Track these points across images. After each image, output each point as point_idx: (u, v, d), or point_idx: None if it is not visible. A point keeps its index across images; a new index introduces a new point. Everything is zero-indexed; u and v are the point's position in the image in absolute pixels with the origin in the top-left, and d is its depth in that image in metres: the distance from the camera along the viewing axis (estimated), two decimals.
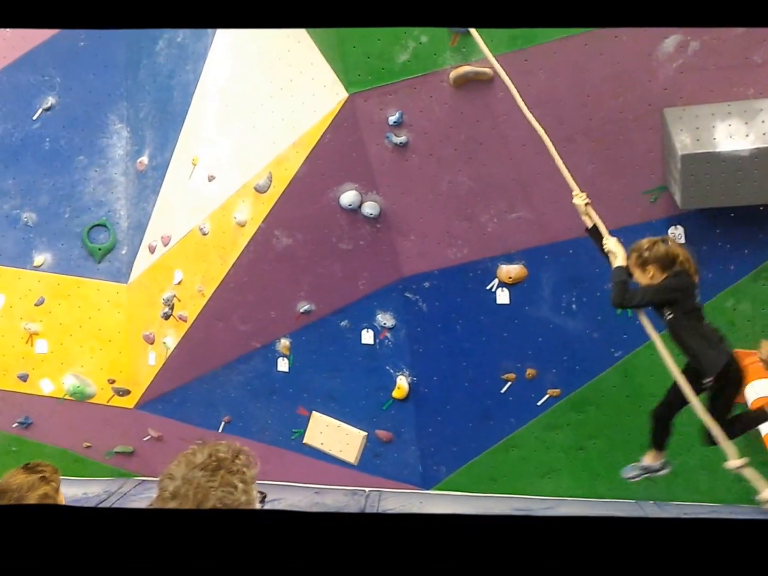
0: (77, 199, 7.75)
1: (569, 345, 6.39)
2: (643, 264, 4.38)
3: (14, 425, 7.96)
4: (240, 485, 1.99)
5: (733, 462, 4.00)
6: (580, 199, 4.81)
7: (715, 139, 5.32)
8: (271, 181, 6.70)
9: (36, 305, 7.77)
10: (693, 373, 4.34)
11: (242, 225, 6.88)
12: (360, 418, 7.14)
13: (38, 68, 7.74)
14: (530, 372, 6.55)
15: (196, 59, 7.19)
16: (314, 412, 7.22)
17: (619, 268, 4.42)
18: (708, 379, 4.33)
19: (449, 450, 6.94)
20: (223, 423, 7.47)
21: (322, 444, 7.26)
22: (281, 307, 7.07)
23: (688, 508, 6.31)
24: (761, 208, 5.55)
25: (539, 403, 6.58)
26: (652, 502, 6.46)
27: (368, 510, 6.71)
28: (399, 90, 6.09)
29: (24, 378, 7.86)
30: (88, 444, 7.86)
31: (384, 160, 6.33)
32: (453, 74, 5.95)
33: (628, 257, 4.49)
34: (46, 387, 7.87)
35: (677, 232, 5.83)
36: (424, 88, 6.05)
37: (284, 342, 7.15)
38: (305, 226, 6.73)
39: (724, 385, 4.33)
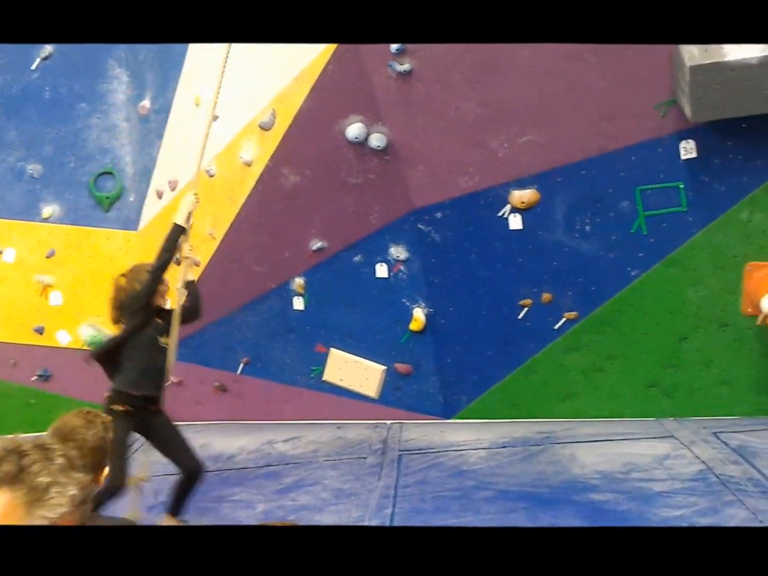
0: (81, 147, 7.93)
1: (584, 267, 6.60)
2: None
3: (33, 378, 8.26)
4: None
5: None
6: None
7: (723, 48, 5.44)
8: (275, 117, 6.87)
9: (47, 257, 8.02)
10: None
11: (249, 164, 7.07)
12: (378, 353, 7.40)
13: None
14: (546, 296, 6.77)
15: None
16: (332, 349, 7.49)
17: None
18: None
19: (469, 379, 7.21)
20: (241, 365, 7.75)
21: (341, 380, 7.54)
22: (294, 246, 7.29)
23: (707, 422, 6.57)
24: None
25: (557, 327, 6.82)
26: (671, 418, 6.74)
27: (390, 441, 7.02)
28: None
29: (40, 331, 8.14)
30: (109, 393, 8.15)
31: (389, 90, 6.49)
32: None
33: None
34: (63, 338, 8.16)
35: (689, 146, 6.00)
36: None
37: (298, 281, 7.38)
38: (313, 162, 6.91)
39: None
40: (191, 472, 5.34)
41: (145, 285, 5.21)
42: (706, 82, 5.47)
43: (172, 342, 5.35)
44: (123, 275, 5.41)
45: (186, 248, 5.45)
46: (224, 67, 5.43)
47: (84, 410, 2.82)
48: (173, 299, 5.64)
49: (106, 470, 2.73)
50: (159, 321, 5.33)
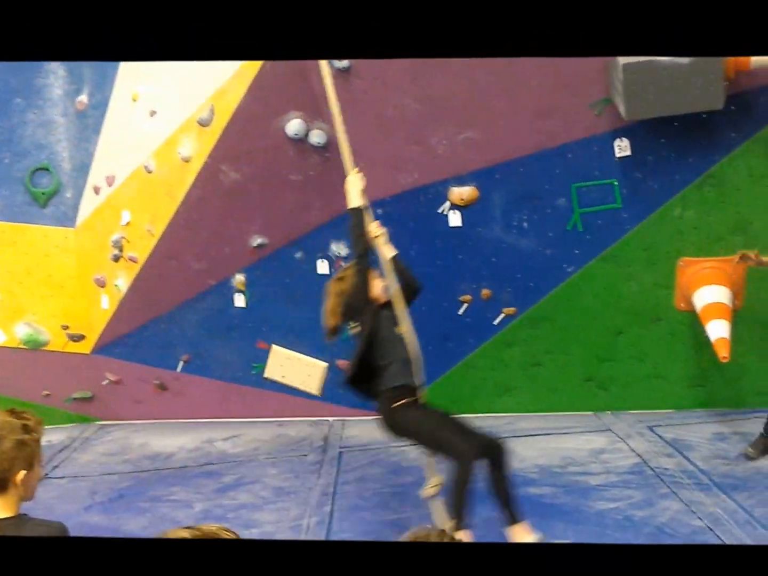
0: (17, 143, 7.71)
1: (523, 263, 6.64)
2: None
3: None
4: None
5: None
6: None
7: None
8: (213, 113, 6.77)
9: None
10: None
11: (187, 160, 6.95)
12: (320, 349, 7.32)
13: None
14: (486, 292, 6.79)
15: None
16: (274, 346, 7.42)
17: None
18: None
19: None
20: (181, 363, 7.64)
21: (283, 377, 7.46)
22: (234, 243, 7.19)
23: (643, 416, 6.66)
24: (704, 116, 5.78)
25: (496, 322, 6.84)
26: (609, 412, 6.81)
27: (331, 438, 6.98)
28: None
29: None
30: (47, 392, 7.97)
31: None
32: None
33: None
34: None
35: (623, 144, 6.05)
36: None
37: (239, 277, 7.29)
38: (252, 159, 6.82)
39: None
40: (495, 450, 4.79)
41: (354, 279, 4.91)
42: (639, 80, 5.52)
43: (406, 328, 4.97)
44: (336, 279, 5.17)
45: (375, 226, 5.09)
46: (332, 86, 5.22)
47: (10, 409, 2.70)
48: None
49: (21, 474, 2.63)
50: (388, 313, 4.98)
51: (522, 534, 4.65)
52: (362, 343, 4.92)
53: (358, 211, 4.99)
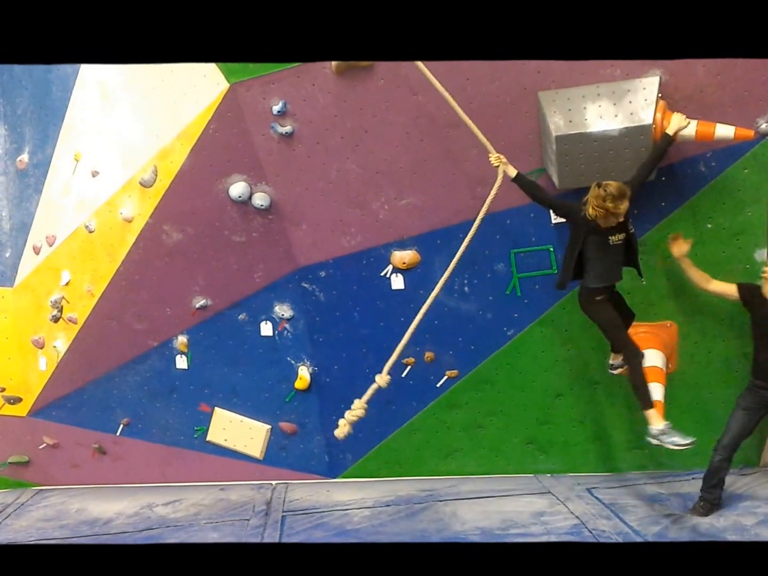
0: None
1: (464, 326, 7.07)
2: None
3: None
4: None
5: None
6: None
7: (586, 120, 6.03)
8: (156, 174, 7.15)
9: None
10: None
11: (129, 221, 7.32)
12: (263, 412, 7.68)
13: None
14: (428, 355, 7.22)
15: None
16: (216, 408, 7.75)
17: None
18: None
19: (354, 437, 7.46)
20: (121, 426, 7.92)
21: (225, 440, 7.80)
22: (176, 304, 7.52)
23: (582, 478, 7.10)
24: None
25: (438, 385, 7.25)
26: (549, 475, 7.25)
27: (274, 502, 7.30)
28: (281, 79, 6.62)
29: None
30: None
31: (271, 150, 6.86)
32: (335, 61, 6.51)
33: None
34: None
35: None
36: (306, 77, 6.59)
37: (181, 339, 7.63)
38: (195, 220, 7.18)
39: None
40: None
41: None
42: (570, 151, 6.05)
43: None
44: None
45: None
46: None
47: None
48: None
49: None
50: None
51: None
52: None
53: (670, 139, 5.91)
